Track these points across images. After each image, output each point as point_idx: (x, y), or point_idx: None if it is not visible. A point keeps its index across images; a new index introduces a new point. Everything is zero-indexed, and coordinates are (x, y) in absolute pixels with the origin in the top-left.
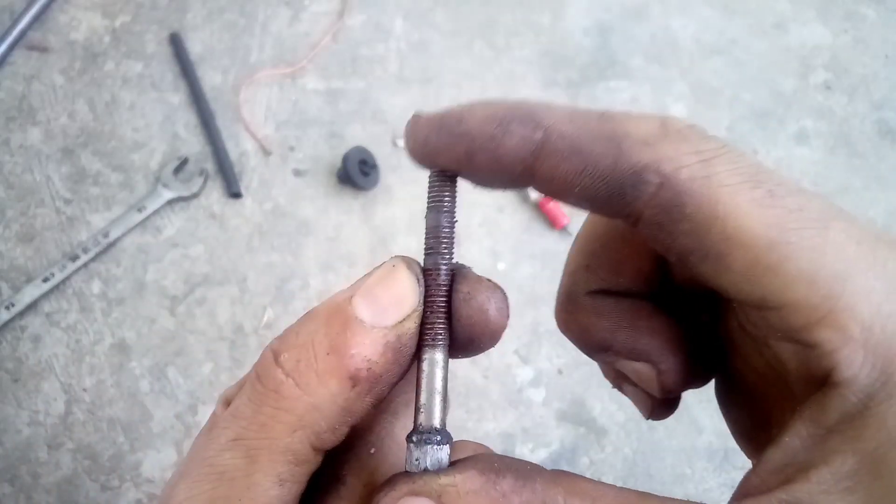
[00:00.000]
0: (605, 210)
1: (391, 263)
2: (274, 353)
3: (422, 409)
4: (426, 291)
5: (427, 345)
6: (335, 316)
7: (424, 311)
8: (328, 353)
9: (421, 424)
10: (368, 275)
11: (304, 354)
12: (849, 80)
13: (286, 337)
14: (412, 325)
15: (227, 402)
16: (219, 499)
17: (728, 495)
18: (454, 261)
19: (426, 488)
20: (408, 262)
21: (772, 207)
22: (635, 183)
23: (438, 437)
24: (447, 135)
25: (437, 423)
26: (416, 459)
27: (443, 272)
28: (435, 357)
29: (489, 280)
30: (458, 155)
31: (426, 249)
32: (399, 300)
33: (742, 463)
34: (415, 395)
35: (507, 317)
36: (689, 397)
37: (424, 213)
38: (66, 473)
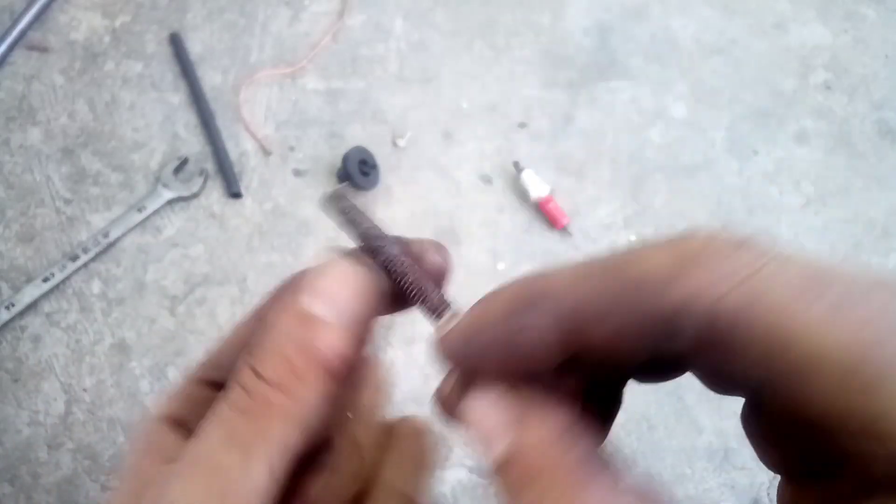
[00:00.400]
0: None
1: (324, 257)
2: (253, 369)
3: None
4: (390, 268)
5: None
6: (293, 319)
7: (399, 280)
8: (302, 358)
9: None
10: (312, 273)
11: (282, 364)
12: (849, 80)
13: (258, 353)
14: (364, 305)
15: (172, 420)
16: (214, 491)
17: (728, 495)
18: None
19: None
20: (338, 250)
21: (846, 320)
22: (673, 332)
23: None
24: (474, 356)
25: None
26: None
27: (392, 249)
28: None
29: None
30: (494, 368)
31: (367, 241)
32: (342, 287)
33: (742, 463)
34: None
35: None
36: (690, 397)
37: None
38: (66, 473)
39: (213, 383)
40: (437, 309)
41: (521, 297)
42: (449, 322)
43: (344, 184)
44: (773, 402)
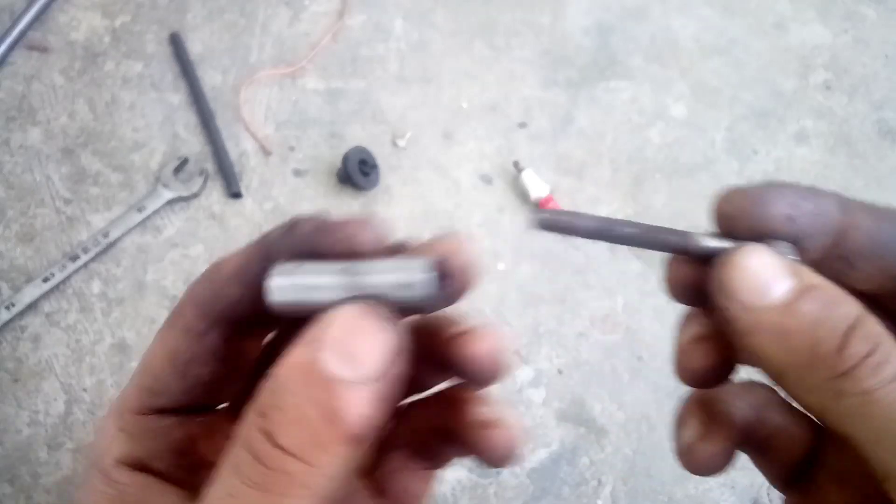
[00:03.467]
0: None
1: (352, 312)
2: (268, 436)
3: None
4: None
5: None
6: (313, 381)
7: None
8: (325, 425)
9: None
10: (326, 324)
11: (302, 432)
12: (849, 80)
13: (272, 415)
14: (393, 363)
15: (130, 462)
16: None
17: (728, 495)
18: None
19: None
20: (370, 307)
21: None
22: None
23: None
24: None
25: None
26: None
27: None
28: None
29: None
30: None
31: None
32: (377, 349)
33: (741, 463)
34: None
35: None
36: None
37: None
38: (66, 473)
39: (160, 410)
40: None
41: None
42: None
43: (541, 211)
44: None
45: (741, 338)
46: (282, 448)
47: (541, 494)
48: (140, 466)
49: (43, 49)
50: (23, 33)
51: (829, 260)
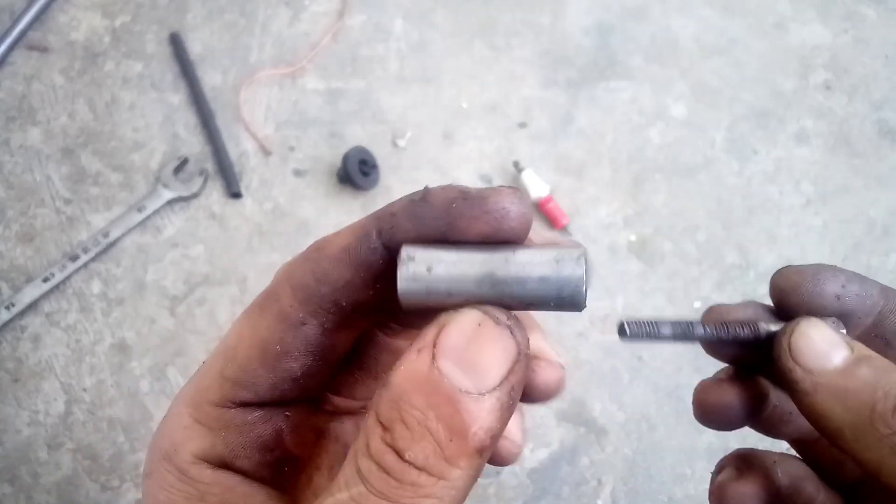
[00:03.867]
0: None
1: (472, 318)
2: (396, 451)
3: None
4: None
5: None
6: (435, 395)
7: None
8: (451, 440)
9: None
10: (444, 329)
11: (429, 447)
12: (849, 80)
13: (397, 430)
14: (520, 375)
15: (211, 458)
16: None
17: None
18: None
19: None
20: (490, 313)
21: None
22: None
23: None
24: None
25: None
26: None
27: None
28: None
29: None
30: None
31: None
32: (499, 358)
33: None
34: None
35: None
36: (690, 397)
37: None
38: (66, 473)
39: (244, 403)
40: (758, 337)
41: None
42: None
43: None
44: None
45: (804, 397)
46: (410, 463)
47: (541, 494)
48: (222, 464)
49: (43, 49)
50: (23, 33)
51: (869, 338)
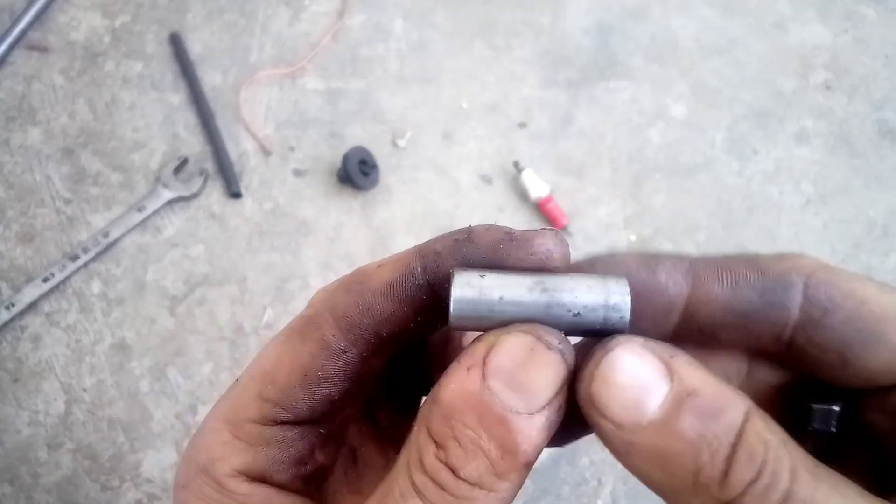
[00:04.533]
0: (757, 326)
1: (524, 343)
2: (450, 469)
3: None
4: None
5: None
6: (488, 415)
7: None
8: (502, 457)
9: None
10: (492, 349)
11: (482, 464)
12: (849, 80)
13: (451, 449)
14: (566, 390)
15: (249, 474)
16: None
17: None
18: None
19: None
20: (543, 338)
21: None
22: (784, 286)
23: None
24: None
25: None
26: None
27: None
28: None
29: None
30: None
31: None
32: (551, 381)
33: None
34: None
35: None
36: None
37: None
38: (66, 473)
39: (282, 422)
40: None
41: (657, 256)
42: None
43: None
44: (856, 364)
45: (618, 457)
46: (465, 480)
47: (541, 494)
48: (260, 478)
49: (43, 49)
50: (23, 33)
51: (688, 334)
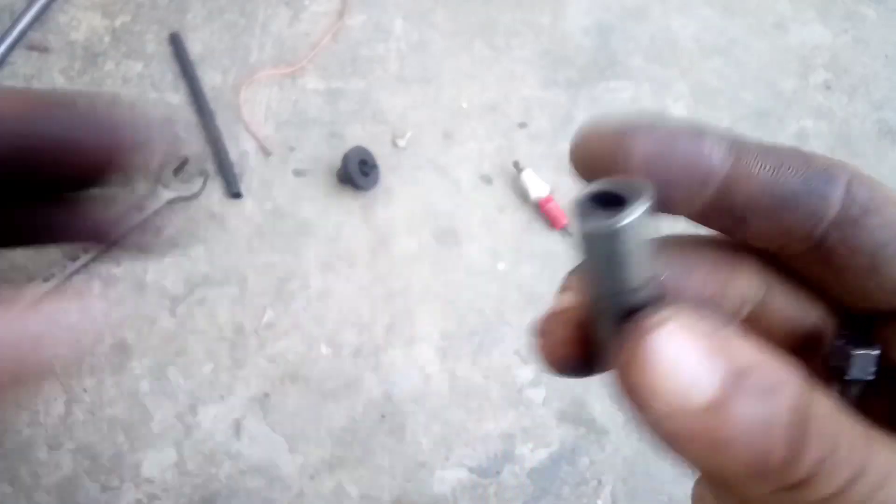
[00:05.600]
0: (793, 215)
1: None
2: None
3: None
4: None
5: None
6: None
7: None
8: None
9: None
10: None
11: None
12: (849, 80)
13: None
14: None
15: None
16: None
17: None
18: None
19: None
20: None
21: None
22: (828, 178)
23: None
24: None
25: None
26: None
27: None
28: None
29: None
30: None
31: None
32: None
33: None
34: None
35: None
36: None
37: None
38: (66, 473)
39: None
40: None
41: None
42: None
43: None
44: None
45: (664, 445)
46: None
47: (541, 494)
48: None
49: (43, 49)
50: (23, 33)
51: (716, 215)
